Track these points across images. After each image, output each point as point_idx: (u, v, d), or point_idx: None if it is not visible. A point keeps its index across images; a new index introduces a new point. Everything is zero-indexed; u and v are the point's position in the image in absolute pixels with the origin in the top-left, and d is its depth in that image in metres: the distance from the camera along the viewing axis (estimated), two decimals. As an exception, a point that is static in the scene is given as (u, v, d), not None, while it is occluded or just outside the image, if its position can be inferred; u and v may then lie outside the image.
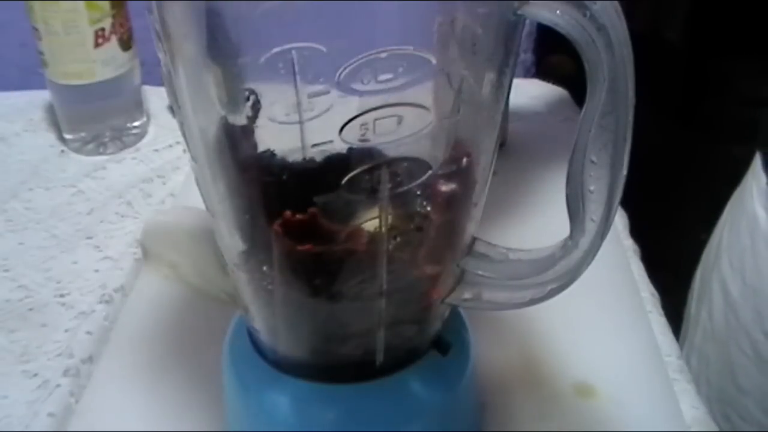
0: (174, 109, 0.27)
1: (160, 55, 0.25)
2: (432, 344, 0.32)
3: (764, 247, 0.51)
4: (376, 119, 0.24)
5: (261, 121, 0.25)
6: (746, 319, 0.52)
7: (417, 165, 0.26)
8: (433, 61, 0.24)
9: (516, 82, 0.28)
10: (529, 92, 0.70)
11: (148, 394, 0.40)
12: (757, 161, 0.53)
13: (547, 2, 0.24)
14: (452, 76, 0.25)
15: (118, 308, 0.45)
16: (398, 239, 0.28)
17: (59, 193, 0.57)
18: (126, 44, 0.59)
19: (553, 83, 0.71)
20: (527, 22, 0.25)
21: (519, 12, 0.24)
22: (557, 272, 0.29)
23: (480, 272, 0.31)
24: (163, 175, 0.59)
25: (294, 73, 0.23)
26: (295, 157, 0.26)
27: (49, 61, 0.57)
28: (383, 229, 0.27)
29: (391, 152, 0.25)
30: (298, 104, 0.23)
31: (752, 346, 0.51)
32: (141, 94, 0.63)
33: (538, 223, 0.48)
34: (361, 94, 0.23)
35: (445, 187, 0.28)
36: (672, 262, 0.64)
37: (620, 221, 0.53)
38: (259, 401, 0.32)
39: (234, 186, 0.28)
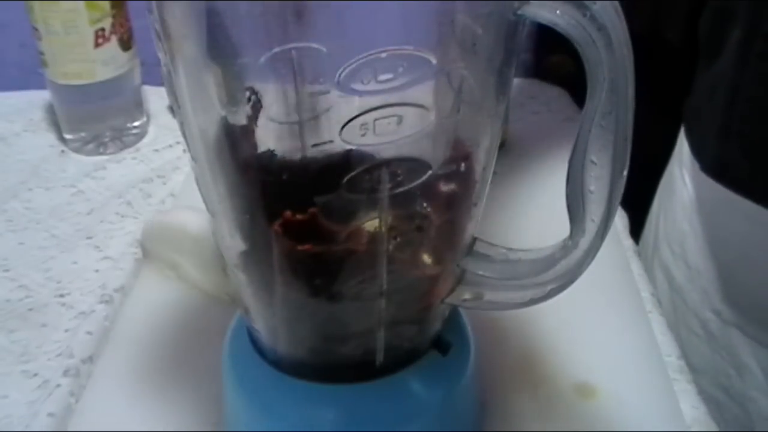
0: (174, 109, 0.27)
1: (160, 55, 0.25)
2: (432, 344, 0.32)
3: (703, 229, 0.52)
4: (376, 119, 0.24)
5: (261, 121, 0.25)
6: (694, 301, 0.53)
7: (417, 165, 0.26)
8: (433, 61, 0.24)
9: (516, 82, 0.28)
10: (529, 92, 0.70)
11: (148, 394, 0.40)
12: (684, 149, 0.54)
13: (547, 2, 0.24)
14: (452, 76, 0.25)
15: (118, 308, 0.46)
16: (398, 239, 0.28)
17: (59, 193, 0.57)
18: (126, 44, 0.59)
19: (553, 83, 0.71)
20: (527, 22, 0.25)
21: (519, 12, 0.24)
22: (557, 272, 0.29)
23: (480, 272, 0.31)
24: (163, 175, 0.59)
25: (294, 73, 0.23)
26: (295, 157, 0.26)
27: (49, 61, 0.57)
28: (383, 229, 0.27)
29: (391, 152, 0.25)
30: (298, 104, 0.23)
31: (702, 326, 0.52)
32: (141, 94, 0.63)
33: (538, 223, 0.48)
34: (361, 94, 0.23)
35: (445, 187, 0.28)
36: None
37: (620, 221, 0.53)
38: (259, 401, 0.32)
39: (234, 186, 0.28)
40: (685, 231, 0.54)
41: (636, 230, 0.53)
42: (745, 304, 0.50)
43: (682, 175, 0.55)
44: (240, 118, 0.25)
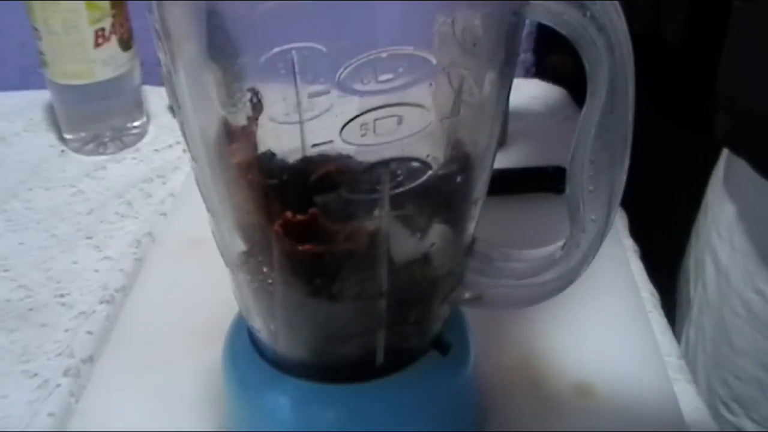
0: (174, 109, 0.27)
1: (160, 55, 0.25)
2: (432, 344, 0.32)
3: (749, 210, 0.52)
4: (376, 119, 0.24)
5: (261, 121, 0.25)
6: (737, 282, 0.53)
7: (417, 165, 0.26)
8: (433, 61, 0.24)
9: (516, 82, 0.28)
10: (529, 92, 0.70)
11: (148, 394, 0.40)
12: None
13: (547, 2, 0.24)
14: (452, 76, 0.25)
15: (119, 308, 0.45)
16: (398, 239, 0.28)
17: (59, 193, 0.57)
18: (126, 44, 0.59)
19: (553, 83, 0.71)
20: (527, 22, 0.25)
21: (519, 12, 0.24)
22: (557, 272, 0.29)
23: (480, 272, 0.31)
24: (163, 175, 0.59)
25: (294, 73, 0.23)
26: (295, 157, 0.26)
27: (49, 61, 0.57)
28: (383, 229, 0.27)
29: (391, 152, 0.25)
30: (298, 104, 0.23)
31: (744, 306, 0.52)
32: (141, 94, 0.63)
33: (538, 223, 0.48)
34: (361, 94, 0.23)
35: (445, 187, 0.28)
36: (672, 262, 0.64)
37: (620, 221, 0.53)
38: (259, 401, 0.32)
39: (234, 186, 0.28)
40: (731, 213, 0.54)
41: (636, 231, 0.53)
42: None
43: (737, 165, 0.54)
44: (240, 118, 0.25)
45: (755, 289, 0.51)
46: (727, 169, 0.56)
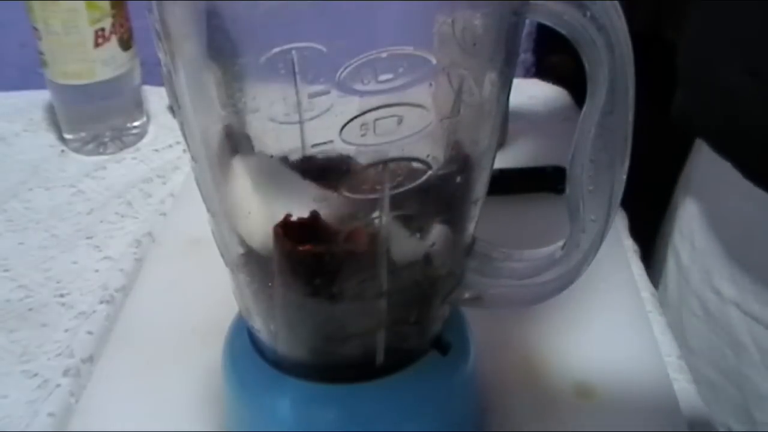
0: (174, 109, 0.27)
1: (160, 55, 0.25)
2: (432, 344, 0.32)
3: (708, 208, 0.52)
4: (376, 119, 0.24)
5: (261, 122, 0.25)
6: (696, 281, 0.53)
7: (417, 165, 0.26)
8: (433, 61, 0.24)
9: (516, 82, 0.28)
10: (529, 92, 0.70)
11: (148, 394, 0.40)
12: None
13: (547, 2, 0.24)
14: (452, 76, 0.25)
15: (119, 308, 0.46)
16: (398, 239, 0.28)
17: (59, 193, 0.57)
18: (126, 44, 0.59)
19: (553, 83, 0.71)
20: (527, 22, 0.25)
21: (519, 12, 0.24)
22: (557, 272, 0.29)
23: (480, 272, 0.31)
24: (163, 175, 0.59)
25: (294, 73, 0.23)
26: (295, 157, 0.26)
27: (49, 61, 0.57)
28: (383, 229, 0.27)
29: (391, 152, 0.25)
30: (298, 104, 0.23)
31: (702, 306, 0.52)
32: (141, 94, 0.63)
33: (537, 223, 0.48)
34: (361, 94, 0.23)
35: (445, 187, 0.28)
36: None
37: (620, 221, 0.53)
38: (259, 401, 0.32)
39: (234, 186, 0.28)
40: (693, 212, 0.54)
41: (636, 231, 0.53)
42: (744, 280, 0.50)
43: (705, 162, 0.54)
44: (240, 118, 0.25)
45: (713, 289, 0.51)
46: (690, 167, 0.56)
